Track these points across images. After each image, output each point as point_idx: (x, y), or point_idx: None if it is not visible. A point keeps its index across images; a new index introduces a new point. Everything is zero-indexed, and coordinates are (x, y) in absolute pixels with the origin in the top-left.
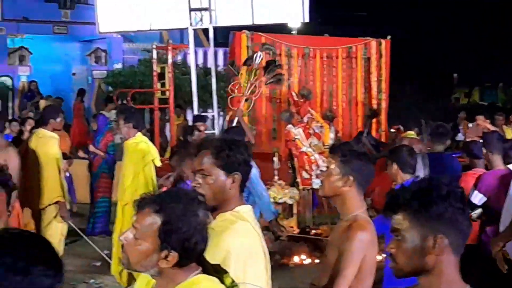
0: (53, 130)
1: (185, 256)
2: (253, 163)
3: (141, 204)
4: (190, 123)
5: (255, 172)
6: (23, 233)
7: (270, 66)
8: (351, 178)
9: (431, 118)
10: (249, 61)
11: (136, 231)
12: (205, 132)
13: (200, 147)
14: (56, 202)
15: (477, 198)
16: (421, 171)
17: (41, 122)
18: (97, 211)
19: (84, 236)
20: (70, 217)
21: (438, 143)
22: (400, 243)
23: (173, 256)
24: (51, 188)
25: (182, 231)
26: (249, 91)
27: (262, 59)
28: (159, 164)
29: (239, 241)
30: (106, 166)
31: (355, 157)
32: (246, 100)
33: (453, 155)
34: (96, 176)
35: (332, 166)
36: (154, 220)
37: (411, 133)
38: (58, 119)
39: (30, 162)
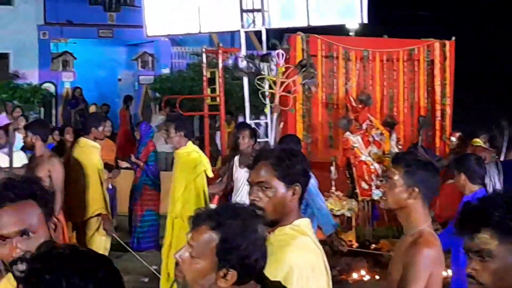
0: (95, 139)
1: (245, 274)
2: (311, 173)
3: (197, 221)
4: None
5: (313, 182)
6: (89, 252)
7: (302, 63)
8: (416, 189)
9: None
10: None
11: (192, 249)
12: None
13: (258, 158)
14: (99, 215)
15: None
16: (494, 180)
17: (83, 130)
18: (142, 225)
19: (131, 250)
20: (114, 231)
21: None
22: (487, 264)
23: (232, 274)
24: (93, 199)
25: (242, 249)
26: (281, 89)
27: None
28: (211, 175)
29: (301, 256)
30: (147, 177)
31: (420, 167)
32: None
33: None
34: (137, 188)
35: (396, 177)
36: (211, 238)
37: (477, 141)
38: (100, 128)
39: (72, 173)
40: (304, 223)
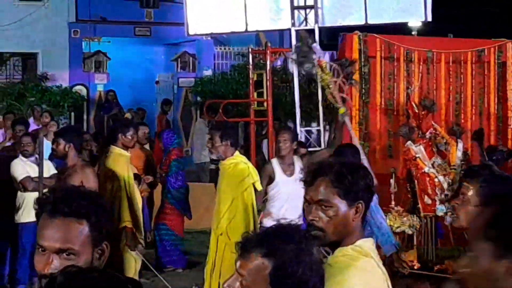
0: (125, 147)
1: None
2: None
3: (246, 247)
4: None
5: (374, 198)
6: (115, 276)
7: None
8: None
9: None
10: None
11: (242, 278)
12: (310, 149)
13: (317, 173)
14: (124, 228)
15: None
16: None
17: (111, 138)
18: (159, 239)
19: (154, 270)
20: (142, 248)
21: None
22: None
23: None
24: (119, 212)
25: (297, 275)
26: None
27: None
28: (260, 188)
29: (364, 280)
30: (168, 191)
31: (498, 182)
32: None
33: None
34: (162, 202)
35: (470, 193)
36: (263, 265)
37: None
38: (129, 134)
39: (101, 183)
40: (367, 244)
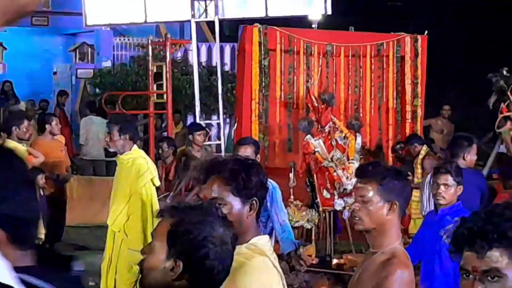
0: (20, 140)
1: (196, 274)
2: (274, 182)
3: (159, 213)
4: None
5: (279, 193)
6: None
7: None
8: (396, 202)
9: (478, 126)
10: None
11: (152, 241)
12: (209, 143)
13: (209, 171)
14: None
15: None
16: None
17: (5, 131)
18: None
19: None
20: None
21: (453, 157)
22: (495, 285)
23: (178, 264)
24: None
25: (192, 237)
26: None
27: None
28: (158, 183)
29: (258, 279)
30: None
31: (395, 178)
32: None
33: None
34: None
35: (370, 194)
36: (166, 224)
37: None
38: (23, 127)
39: None
40: (262, 241)
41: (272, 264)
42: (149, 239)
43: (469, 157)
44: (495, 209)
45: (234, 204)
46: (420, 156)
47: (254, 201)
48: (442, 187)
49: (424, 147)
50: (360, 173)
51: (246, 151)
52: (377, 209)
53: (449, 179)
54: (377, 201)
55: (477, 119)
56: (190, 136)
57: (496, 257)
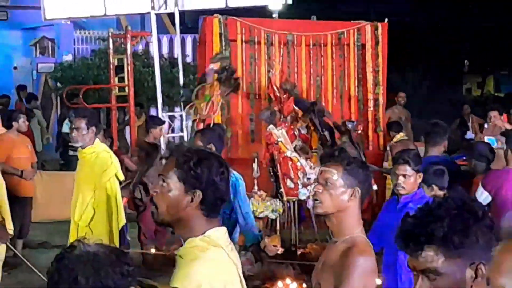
0: None
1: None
2: (237, 174)
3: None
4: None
5: (243, 186)
6: None
7: (223, 74)
8: (358, 189)
9: (439, 113)
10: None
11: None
12: (172, 135)
13: (171, 152)
14: None
15: (482, 196)
16: None
17: None
18: None
19: (26, 261)
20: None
21: (432, 145)
22: (436, 283)
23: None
24: None
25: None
26: (206, 111)
27: (214, 71)
28: (122, 177)
29: (212, 271)
30: None
31: (359, 165)
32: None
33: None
34: None
35: (335, 177)
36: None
37: (402, 135)
38: None
39: None
40: (217, 233)
41: (228, 256)
42: (116, 234)
43: (445, 144)
44: (425, 209)
45: (174, 187)
46: (393, 142)
47: (197, 193)
48: (401, 178)
49: (401, 134)
50: (327, 157)
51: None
52: (339, 194)
53: (408, 169)
54: (340, 185)
55: (437, 106)
56: (149, 130)
57: (431, 256)
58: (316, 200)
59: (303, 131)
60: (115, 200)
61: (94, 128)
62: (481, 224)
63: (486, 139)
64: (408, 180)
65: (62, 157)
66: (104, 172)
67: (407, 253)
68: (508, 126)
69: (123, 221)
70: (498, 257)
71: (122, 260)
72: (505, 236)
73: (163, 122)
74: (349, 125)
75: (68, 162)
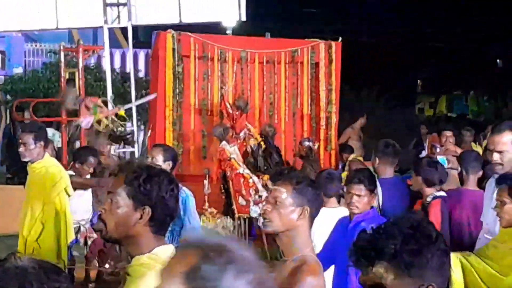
0: None
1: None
2: (187, 190)
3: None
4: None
5: (193, 202)
6: None
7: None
8: (308, 208)
9: (392, 132)
10: None
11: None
12: (123, 150)
13: (120, 169)
14: None
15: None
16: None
17: None
18: None
19: None
20: None
21: (387, 165)
22: None
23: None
24: None
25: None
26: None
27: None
28: (72, 193)
29: None
30: None
31: (309, 184)
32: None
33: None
34: None
35: (284, 196)
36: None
37: (354, 156)
38: None
39: None
40: (163, 250)
41: None
42: (64, 250)
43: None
44: (380, 227)
45: (123, 204)
46: (347, 162)
47: (146, 209)
48: (355, 197)
49: (353, 155)
50: (276, 176)
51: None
52: (288, 213)
53: (362, 189)
54: (289, 204)
55: (392, 125)
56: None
57: (380, 273)
58: (266, 218)
59: (255, 148)
60: (64, 215)
61: (42, 143)
62: (435, 246)
63: (438, 158)
64: (362, 200)
65: (8, 170)
66: (53, 187)
67: (358, 268)
68: (459, 151)
69: (72, 236)
70: None
71: (52, 277)
72: None
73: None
74: (307, 143)
75: (14, 176)
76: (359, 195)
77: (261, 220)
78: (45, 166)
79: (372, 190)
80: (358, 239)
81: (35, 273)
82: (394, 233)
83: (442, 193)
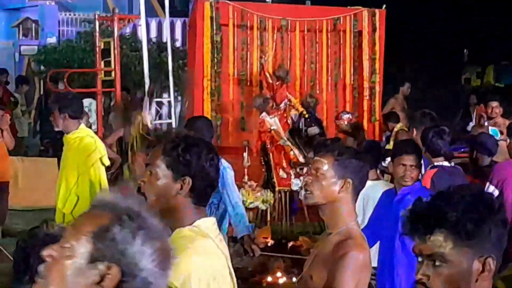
0: None
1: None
2: (225, 162)
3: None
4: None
5: (231, 174)
6: None
7: None
8: (350, 181)
9: (437, 104)
10: None
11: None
12: (160, 121)
13: (159, 140)
14: None
15: (489, 191)
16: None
17: None
18: None
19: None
20: None
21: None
22: (440, 270)
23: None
24: None
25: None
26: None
27: None
28: (107, 163)
29: (200, 262)
30: None
31: (352, 156)
32: None
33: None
34: None
35: (325, 168)
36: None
37: (401, 125)
38: None
39: None
40: (206, 223)
41: (217, 246)
42: None
43: None
44: (440, 193)
45: (162, 175)
46: (394, 132)
47: (187, 179)
48: (409, 168)
49: (400, 124)
50: (318, 147)
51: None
52: (329, 185)
53: (415, 160)
54: (331, 176)
55: (436, 96)
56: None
57: (439, 241)
58: (307, 190)
59: (296, 120)
60: (99, 186)
61: (66, 114)
62: (496, 217)
63: (490, 130)
64: (415, 171)
65: (41, 143)
66: (88, 158)
67: (414, 236)
68: (507, 123)
69: None
70: None
71: None
72: None
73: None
74: (346, 115)
75: (48, 148)
76: (412, 166)
77: (302, 192)
78: (79, 136)
79: (420, 163)
80: (415, 206)
81: None
82: (456, 200)
83: (445, 163)
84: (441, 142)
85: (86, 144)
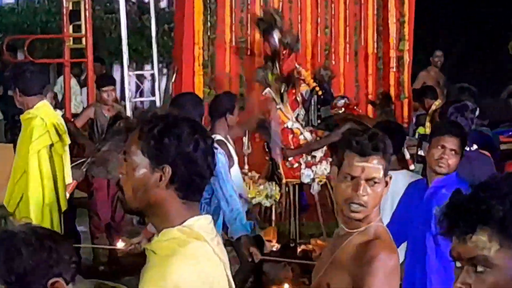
0: None
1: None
2: (220, 150)
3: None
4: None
5: (223, 160)
6: None
7: None
8: (389, 177)
9: (478, 77)
10: None
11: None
12: (141, 99)
13: (138, 123)
14: None
15: None
16: None
17: None
18: None
19: None
20: None
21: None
22: (484, 276)
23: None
24: None
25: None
26: None
27: None
28: (62, 151)
29: (192, 270)
30: None
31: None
32: None
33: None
34: None
35: (381, 174)
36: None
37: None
38: None
39: None
40: (199, 222)
41: (213, 251)
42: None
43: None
44: (484, 183)
45: (139, 164)
46: (430, 111)
47: (165, 169)
48: (448, 151)
49: (438, 101)
50: (367, 147)
51: None
52: (382, 189)
53: (457, 144)
54: (383, 180)
55: (476, 68)
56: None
57: (483, 242)
58: (363, 205)
59: (307, 97)
60: (40, 180)
61: (16, 89)
62: None
63: None
64: (455, 157)
65: None
66: (34, 144)
67: (452, 236)
68: None
69: (64, 206)
70: None
71: (46, 244)
72: None
73: (114, 81)
74: (341, 102)
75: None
76: (454, 151)
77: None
78: (29, 118)
79: (463, 151)
80: (453, 199)
81: (24, 238)
82: (504, 192)
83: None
84: (462, 120)
85: (33, 127)
